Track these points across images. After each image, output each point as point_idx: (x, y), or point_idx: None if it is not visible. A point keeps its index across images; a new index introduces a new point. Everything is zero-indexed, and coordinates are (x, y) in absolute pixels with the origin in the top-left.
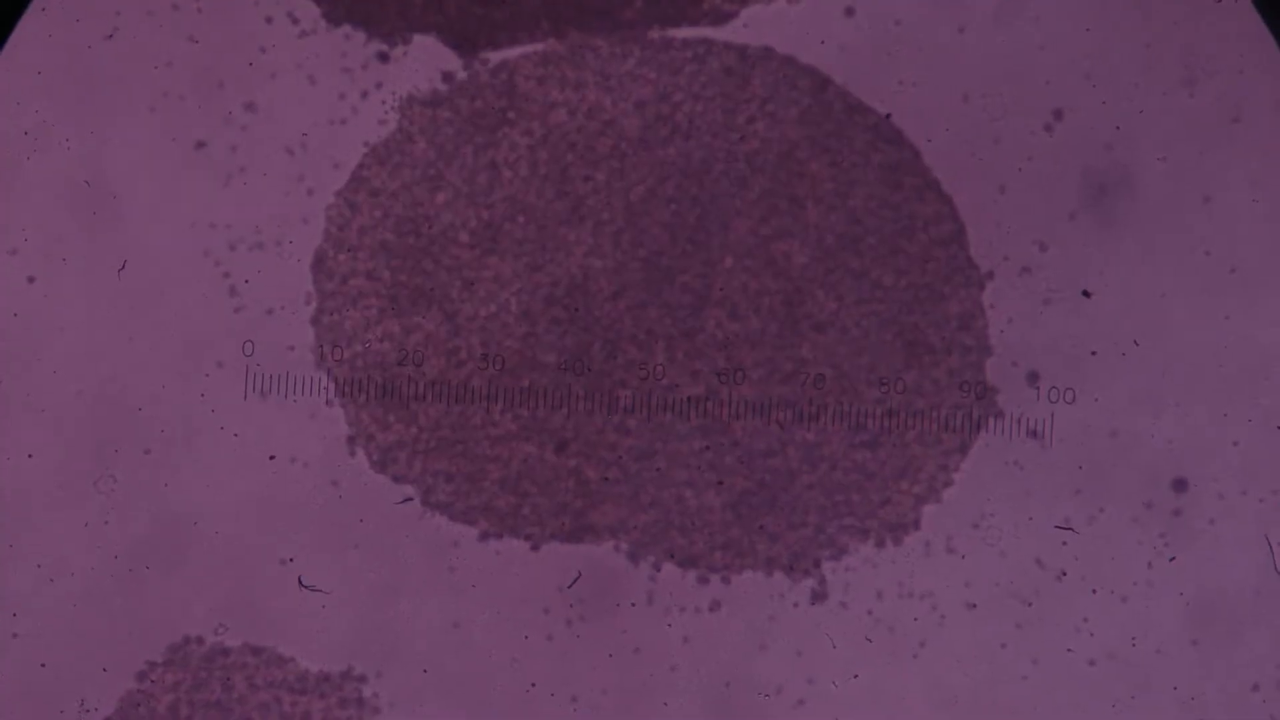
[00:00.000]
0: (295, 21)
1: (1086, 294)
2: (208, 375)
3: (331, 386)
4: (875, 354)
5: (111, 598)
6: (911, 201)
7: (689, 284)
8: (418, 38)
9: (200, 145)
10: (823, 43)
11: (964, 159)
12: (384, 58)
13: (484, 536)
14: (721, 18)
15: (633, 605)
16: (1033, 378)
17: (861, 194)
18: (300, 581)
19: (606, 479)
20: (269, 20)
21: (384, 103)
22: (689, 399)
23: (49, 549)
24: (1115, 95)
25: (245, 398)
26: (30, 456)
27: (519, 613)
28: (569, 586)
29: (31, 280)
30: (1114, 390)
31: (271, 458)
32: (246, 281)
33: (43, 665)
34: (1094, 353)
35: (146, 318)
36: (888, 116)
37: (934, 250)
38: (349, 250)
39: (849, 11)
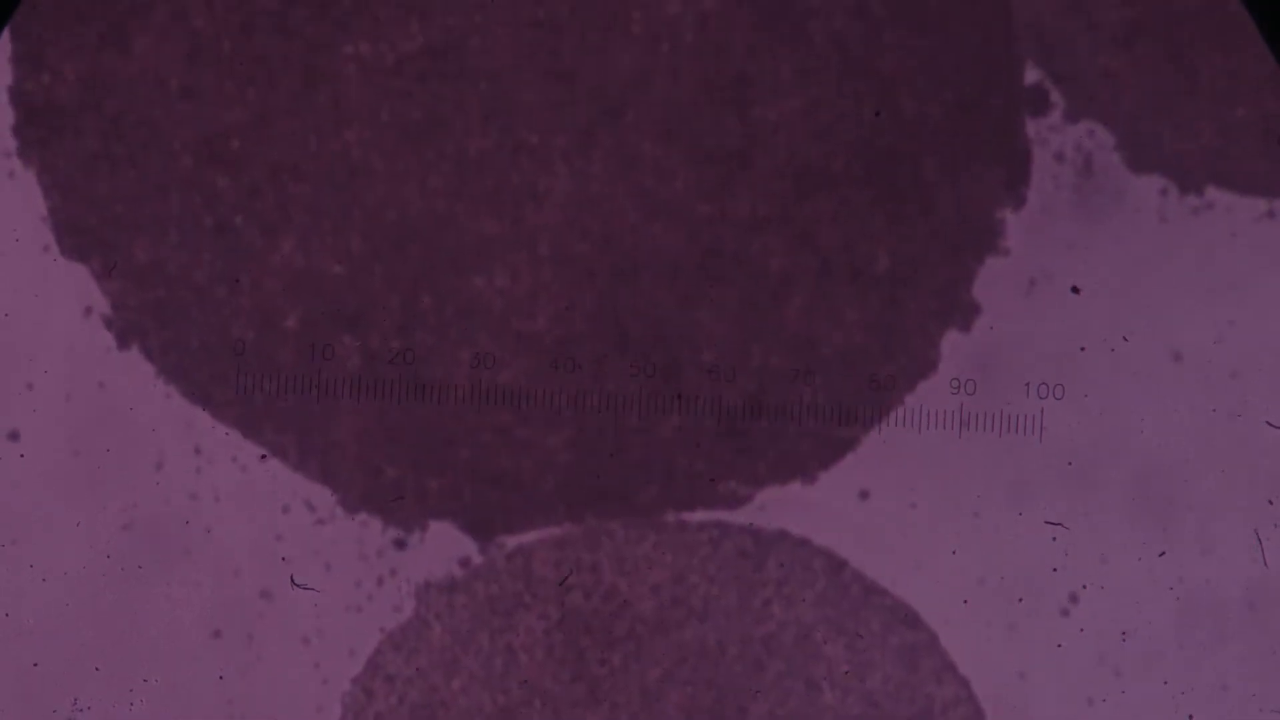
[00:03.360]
0: (312, 509)
1: (1075, 290)
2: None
3: None
4: None
5: (104, 597)
6: (929, 684)
7: None
8: (434, 524)
9: (216, 634)
10: (838, 525)
11: (982, 643)
12: (400, 544)
13: None
14: (737, 501)
15: None
16: (1022, 374)
17: (878, 676)
18: (293, 580)
19: None
20: (286, 509)
21: (400, 589)
22: None
23: (41, 549)
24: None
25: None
26: (22, 457)
27: None
28: (561, 583)
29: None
30: (1103, 386)
31: (263, 457)
32: None
33: (35, 665)
34: (1083, 349)
35: None
36: (877, 114)
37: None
38: None
39: (864, 494)
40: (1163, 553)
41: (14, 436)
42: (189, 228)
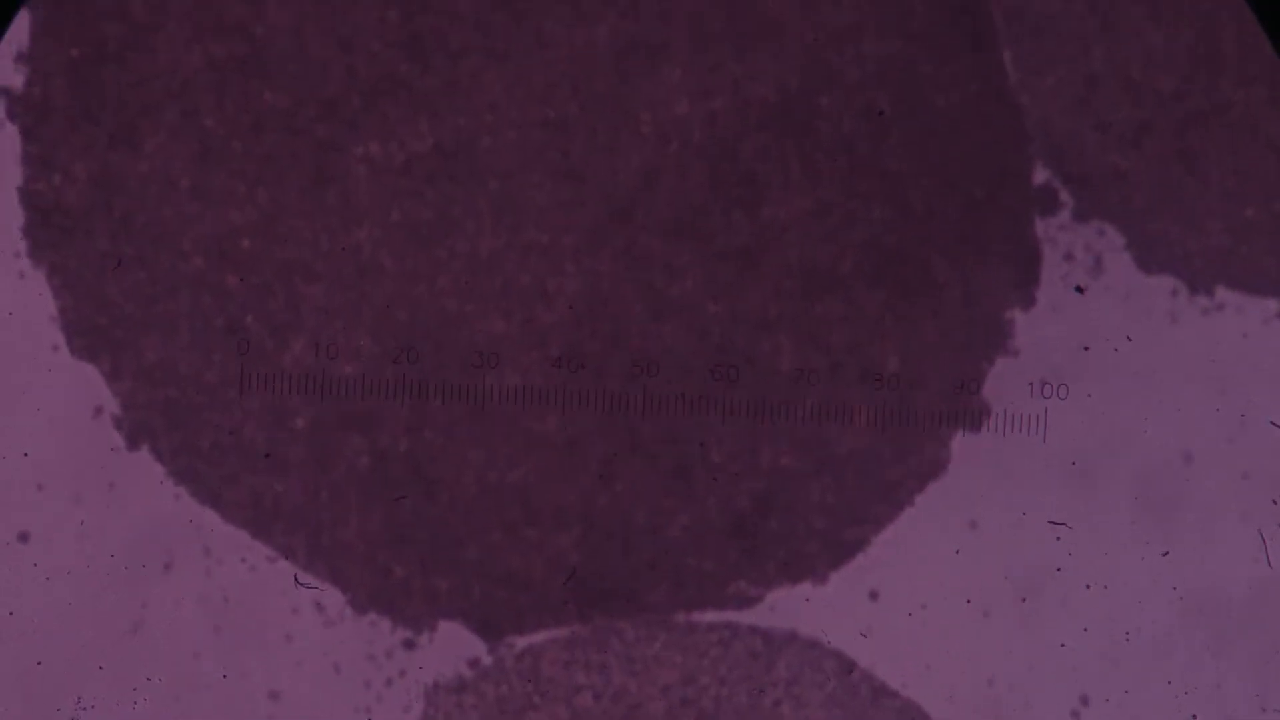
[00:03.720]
0: (321, 610)
1: (1080, 289)
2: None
3: None
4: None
5: (107, 596)
6: None
7: None
8: (443, 624)
9: None
10: (848, 626)
11: None
12: (410, 645)
13: None
14: (747, 602)
15: None
16: (1026, 374)
17: None
18: (296, 580)
19: None
20: (295, 610)
21: (409, 691)
22: None
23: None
24: None
25: (241, 394)
26: (26, 455)
27: None
28: (565, 582)
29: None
30: (1107, 386)
31: (266, 456)
32: None
33: (39, 663)
34: (1086, 348)
35: None
36: (880, 113)
37: None
38: None
39: (873, 595)
40: (1166, 552)
41: (23, 537)
42: (199, 328)
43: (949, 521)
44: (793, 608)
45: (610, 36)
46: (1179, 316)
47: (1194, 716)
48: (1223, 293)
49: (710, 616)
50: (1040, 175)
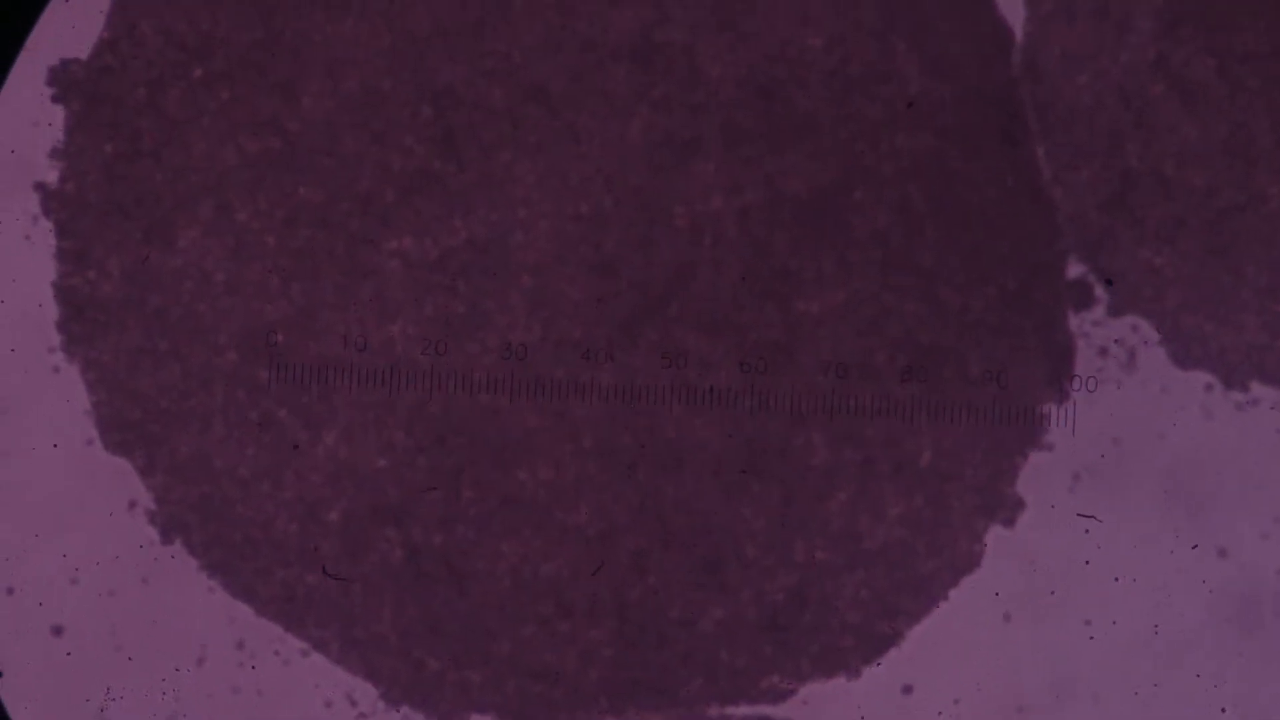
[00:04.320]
0: (354, 704)
1: (1109, 283)
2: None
3: None
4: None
5: (136, 587)
6: None
7: None
8: (476, 717)
9: None
10: None
11: None
12: None
13: None
14: (780, 695)
15: None
16: (1056, 366)
17: None
18: (325, 570)
19: None
20: (329, 704)
21: None
22: None
23: (74, 539)
24: None
25: (269, 386)
26: (55, 446)
27: None
28: (593, 574)
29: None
30: (1137, 379)
31: (295, 447)
32: None
33: (68, 654)
34: (1116, 341)
35: None
36: (909, 105)
37: None
38: None
39: (907, 689)
40: (1195, 545)
41: (58, 631)
42: (233, 422)
43: (983, 615)
44: (826, 702)
45: (644, 131)
46: (1213, 412)
47: (1223, 709)
48: (1258, 388)
49: (743, 710)
50: (1074, 270)
